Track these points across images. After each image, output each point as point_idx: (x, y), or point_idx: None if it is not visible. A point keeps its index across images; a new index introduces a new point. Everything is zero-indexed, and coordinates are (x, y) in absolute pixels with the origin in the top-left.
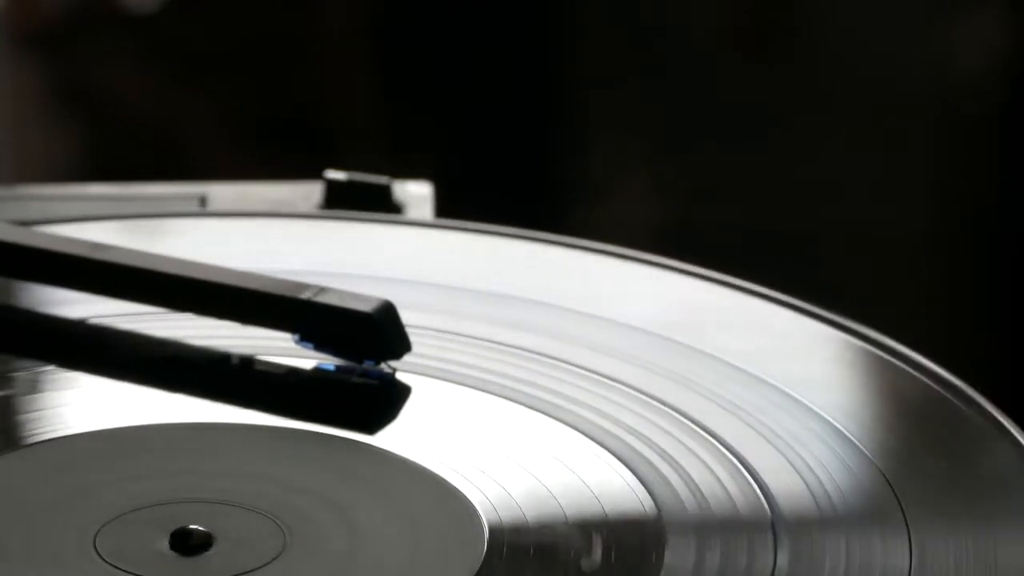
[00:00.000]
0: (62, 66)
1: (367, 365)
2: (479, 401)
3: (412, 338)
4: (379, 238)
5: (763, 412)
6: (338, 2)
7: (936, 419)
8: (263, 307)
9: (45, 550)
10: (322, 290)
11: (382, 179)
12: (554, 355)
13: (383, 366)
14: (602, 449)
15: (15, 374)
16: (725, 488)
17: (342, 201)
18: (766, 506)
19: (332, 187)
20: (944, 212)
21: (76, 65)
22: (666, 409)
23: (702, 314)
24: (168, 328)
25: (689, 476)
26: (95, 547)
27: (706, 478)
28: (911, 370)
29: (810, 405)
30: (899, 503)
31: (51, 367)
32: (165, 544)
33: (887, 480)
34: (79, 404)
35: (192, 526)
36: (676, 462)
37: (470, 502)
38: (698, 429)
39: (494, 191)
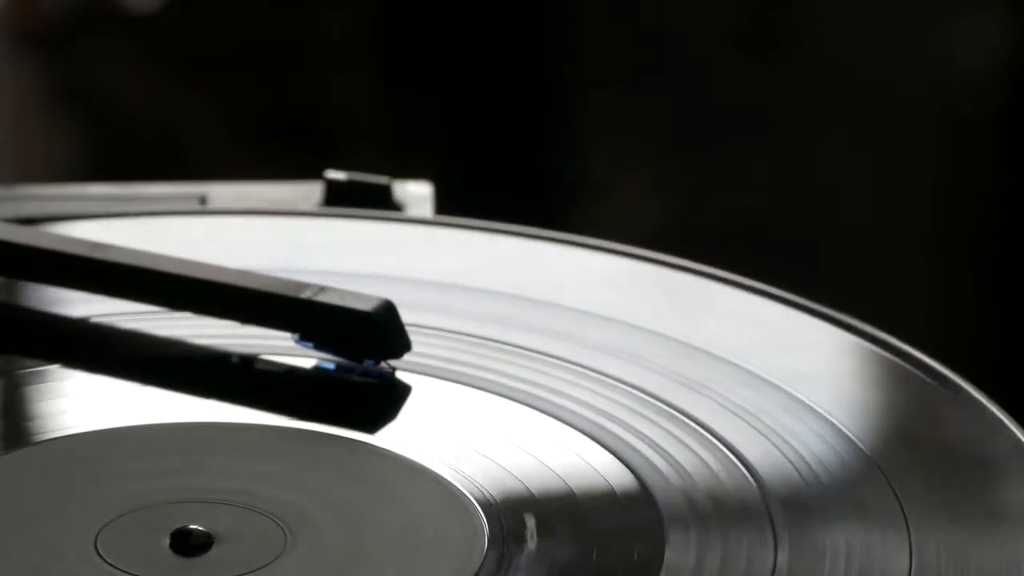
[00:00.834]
0: (62, 66)
1: (367, 364)
2: (479, 400)
3: (412, 337)
4: (379, 237)
5: (761, 409)
6: (338, 2)
7: (935, 416)
8: (263, 307)
9: (45, 550)
10: (322, 289)
11: (382, 179)
12: (554, 353)
13: (383, 365)
14: (602, 448)
15: (15, 374)
16: (726, 489)
17: (342, 201)
18: (766, 506)
19: (332, 187)
20: (944, 212)
21: (76, 65)
22: (666, 407)
23: (700, 310)
24: (168, 328)
25: (688, 475)
26: (95, 547)
27: (706, 477)
28: (910, 367)
29: (808, 401)
30: (898, 500)
31: (51, 367)
32: (165, 544)
33: (885, 477)
34: (79, 404)
35: (192, 526)
36: (676, 461)
37: (470, 501)
38: (699, 428)
39: (494, 191)
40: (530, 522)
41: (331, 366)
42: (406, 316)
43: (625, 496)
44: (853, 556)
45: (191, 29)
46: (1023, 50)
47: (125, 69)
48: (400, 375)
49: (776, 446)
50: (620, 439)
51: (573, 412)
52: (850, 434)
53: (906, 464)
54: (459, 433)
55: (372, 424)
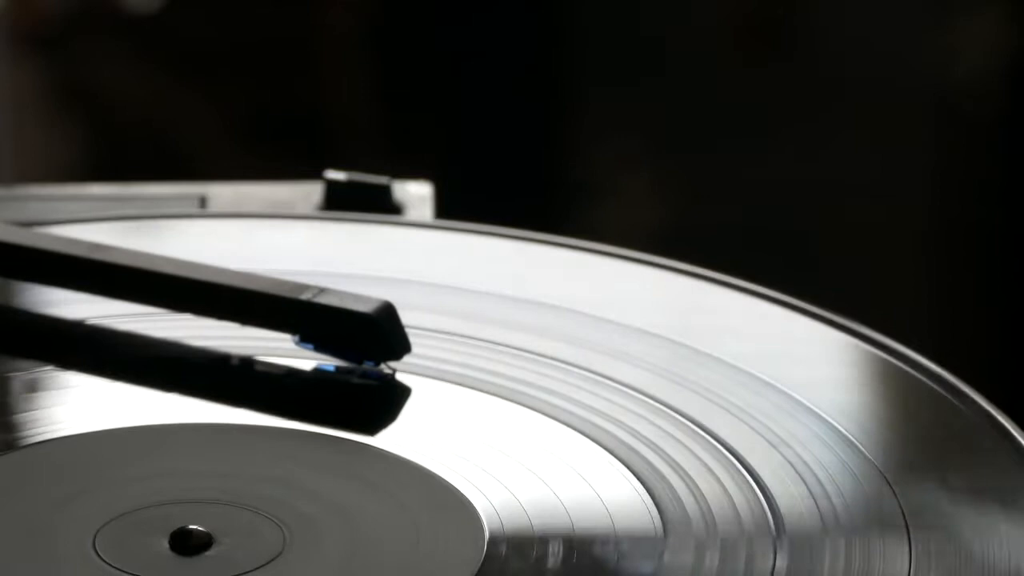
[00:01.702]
0: (62, 66)
1: (367, 366)
2: (479, 402)
3: (412, 339)
4: (379, 238)
5: (763, 413)
6: (338, 2)
7: (936, 420)
8: (263, 308)
9: (45, 550)
10: (322, 291)
11: (382, 179)
12: (553, 356)
13: (383, 367)
14: (601, 449)
15: (14, 374)
16: (725, 489)
17: (342, 201)
18: (766, 507)
19: (332, 187)
20: (944, 212)
21: (76, 65)
22: (665, 409)
23: (702, 315)
24: (168, 328)
25: (689, 477)
26: (95, 547)
27: (706, 479)
28: (911, 371)
29: (810, 405)
30: (899, 503)
31: (50, 367)
32: (165, 544)
33: (886, 480)
34: (78, 404)
35: (192, 526)
36: (675, 462)
37: (469, 502)
38: (698, 430)
39: (494, 191)
40: (529, 522)
41: (331, 367)
42: (406, 318)
43: (625, 497)
44: (853, 560)
45: (191, 29)
46: (1023, 50)
47: (125, 69)
48: (400, 377)
49: (776, 447)
50: (619, 440)
51: (572, 413)
52: (851, 437)
53: (906, 467)
54: (459, 434)
55: (372, 425)
